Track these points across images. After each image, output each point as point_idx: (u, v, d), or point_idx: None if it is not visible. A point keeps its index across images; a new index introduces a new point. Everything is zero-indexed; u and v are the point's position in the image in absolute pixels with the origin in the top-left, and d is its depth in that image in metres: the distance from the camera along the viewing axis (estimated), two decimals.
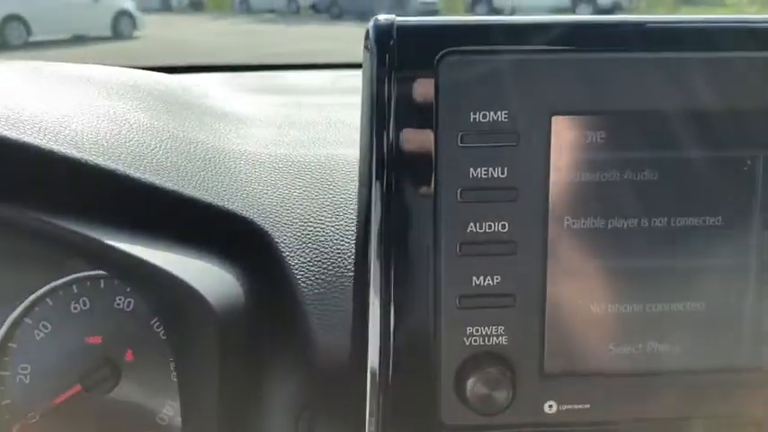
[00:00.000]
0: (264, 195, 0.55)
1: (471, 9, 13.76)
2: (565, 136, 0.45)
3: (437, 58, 0.43)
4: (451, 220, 0.45)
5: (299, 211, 0.54)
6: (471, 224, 0.45)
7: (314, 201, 0.55)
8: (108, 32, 9.42)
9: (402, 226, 0.45)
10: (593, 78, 0.44)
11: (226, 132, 0.63)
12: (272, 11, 12.70)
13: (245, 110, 0.71)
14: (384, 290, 0.45)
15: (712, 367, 0.48)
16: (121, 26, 9.53)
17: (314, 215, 0.53)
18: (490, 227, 0.45)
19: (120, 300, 0.63)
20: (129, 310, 0.62)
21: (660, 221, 0.47)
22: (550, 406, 0.47)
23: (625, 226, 0.47)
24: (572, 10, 12.62)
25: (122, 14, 9.71)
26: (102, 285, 0.63)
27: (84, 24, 8.97)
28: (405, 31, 0.43)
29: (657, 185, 0.46)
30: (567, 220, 0.46)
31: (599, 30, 0.45)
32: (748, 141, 0.46)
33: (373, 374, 0.46)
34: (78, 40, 8.71)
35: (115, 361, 0.61)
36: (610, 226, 0.47)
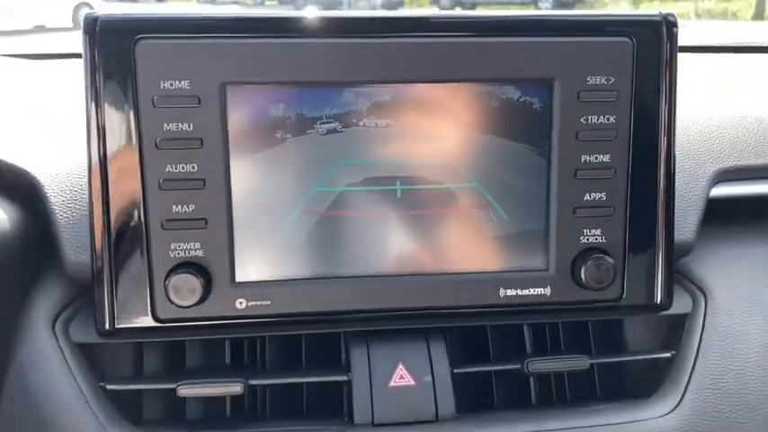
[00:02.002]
0: (41, 151, 0.70)
1: (436, 2, 13.90)
2: (241, 100, 0.60)
3: (133, 42, 0.58)
4: (152, 163, 0.60)
5: (66, 163, 0.69)
6: (169, 166, 0.60)
7: (80, 155, 0.69)
8: (69, 23, 9.44)
9: (117, 170, 0.60)
10: (259, 56, 0.60)
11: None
12: (235, 2, 12.76)
13: None
14: (105, 217, 0.61)
15: (381, 272, 0.64)
16: (80, 17, 9.52)
17: (79, 167, 0.68)
18: (183, 167, 0.61)
19: None
20: None
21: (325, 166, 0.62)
22: (241, 303, 0.63)
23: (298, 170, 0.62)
24: (534, 4, 12.83)
25: (82, 5, 9.71)
26: None
27: (44, 15, 9.00)
28: (107, 22, 0.58)
29: (329, 137, 0.62)
30: (248, 163, 0.62)
31: (258, 21, 0.60)
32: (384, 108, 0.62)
33: (101, 282, 0.61)
34: (39, 29, 8.73)
35: None
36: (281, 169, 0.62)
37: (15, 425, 0.63)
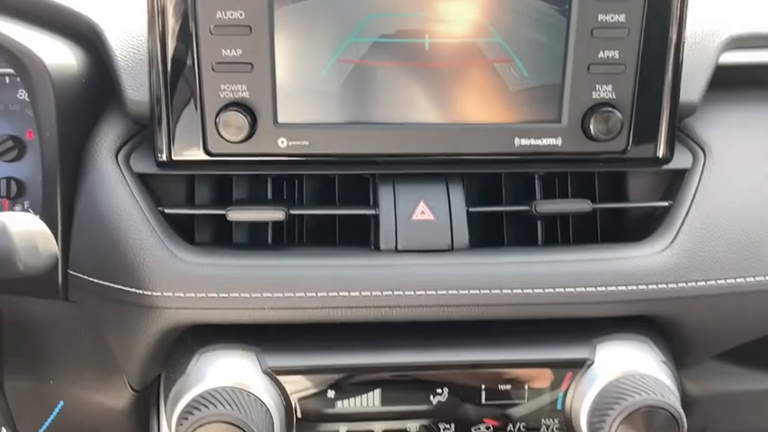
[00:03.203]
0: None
1: None
2: None
3: None
4: (204, 9, 0.66)
5: (125, 10, 0.75)
6: (219, 12, 0.67)
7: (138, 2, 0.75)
8: None
9: (172, 16, 0.67)
10: None
11: None
12: None
13: None
14: (162, 59, 0.68)
15: (408, 120, 0.71)
16: None
17: (137, 13, 0.74)
18: (231, 14, 0.67)
19: (21, 93, 0.85)
20: (28, 100, 0.84)
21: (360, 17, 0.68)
22: (282, 141, 0.71)
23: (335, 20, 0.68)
24: None
25: None
26: (7, 81, 0.84)
27: None
28: None
29: None
30: (290, 13, 0.67)
31: None
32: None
33: (159, 118, 0.69)
34: None
35: (20, 137, 0.84)
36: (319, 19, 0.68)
37: (88, 242, 0.73)
